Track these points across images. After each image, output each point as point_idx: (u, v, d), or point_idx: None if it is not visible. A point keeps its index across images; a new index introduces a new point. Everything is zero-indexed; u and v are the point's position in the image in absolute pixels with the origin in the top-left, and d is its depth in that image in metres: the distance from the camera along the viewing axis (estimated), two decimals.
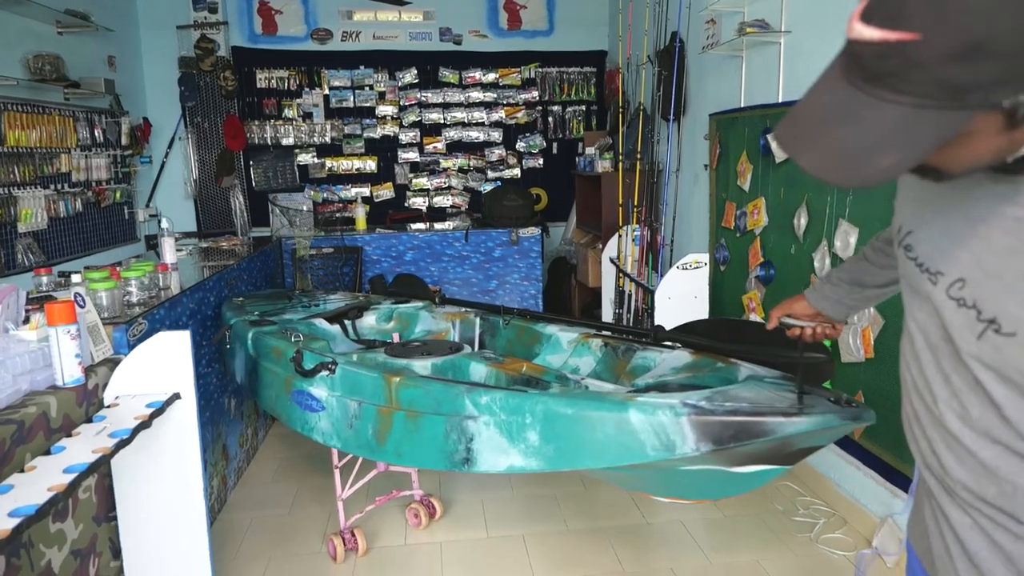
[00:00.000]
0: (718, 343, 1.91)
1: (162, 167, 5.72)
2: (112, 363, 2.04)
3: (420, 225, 5.36)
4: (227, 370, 2.96)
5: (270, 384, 2.45)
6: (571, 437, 1.59)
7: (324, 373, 2.14)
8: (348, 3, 5.74)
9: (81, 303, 2.06)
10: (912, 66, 0.62)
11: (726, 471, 1.52)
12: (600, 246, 4.63)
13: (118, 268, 2.76)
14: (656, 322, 3.29)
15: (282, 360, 2.36)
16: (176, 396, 1.99)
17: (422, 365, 2.22)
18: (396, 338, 2.78)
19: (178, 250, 3.95)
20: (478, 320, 2.69)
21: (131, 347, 2.12)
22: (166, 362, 2.00)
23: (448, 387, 1.82)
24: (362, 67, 5.88)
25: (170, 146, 5.73)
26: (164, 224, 3.26)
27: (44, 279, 2.80)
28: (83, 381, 1.87)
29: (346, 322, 2.87)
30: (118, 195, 5.04)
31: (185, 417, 2.02)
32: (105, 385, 1.98)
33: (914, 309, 0.93)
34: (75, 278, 2.34)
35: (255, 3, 5.74)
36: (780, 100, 3.14)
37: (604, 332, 2.25)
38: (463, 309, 2.81)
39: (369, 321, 2.93)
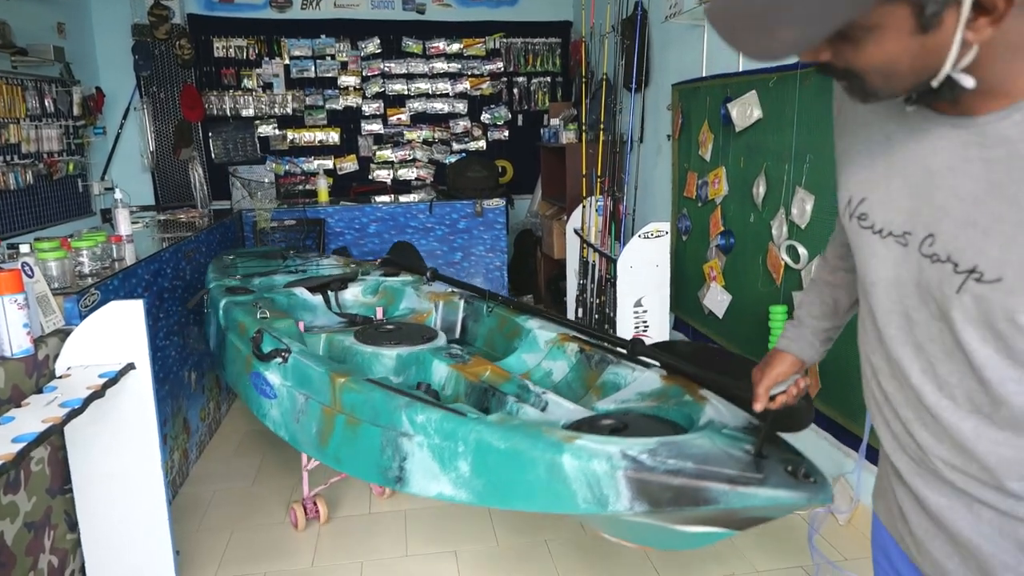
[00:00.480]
0: (693, 368, 1.72)
1: (117, 138, 5.57)
2: (64, 333, 2.00)
3: (384, 198, 5.31)
4: (203, 335, 2.90)
5: (233, 360, 2.38)
6: (502, 474, 1.46)
7: (278, 360, 2.05)
8: None
9: (29, 272, 2.01)
10: None
11: (669, 528, 1.38)
12: (565, 218, 4.64)
13: (69, 239, 2.69)
14: (619, 297, 3.32)
15: (245, 337, 2.30)
16: (131, 366, 1.96)
17: (388, 355, 2.16)
18: (379, 313, 2.70)
19: (134, 222, 3.87)
20: (462, 303, 2.59)
21: (83, 318, 2.07)
22: (119, 332, 1.97)
23: (388, 398, 1.68)
24: (323, 36, 5.76)
25: (125, 117, 5.57)
26: (118, 195, 3.18)
27: None
28: (32, 351, 1.83)
29: (329, 293, 2.80)
30: (71, 167, 4.90)
31: (141, 387, 2.00)
32: (56, 356, 1.95)
33: (872, 284, 0.90)
34: (23, 247, 2.28)
35: None
36: (740, 69, 3.16)
37: (582, 337, 2.11)
38: (450, 289, 2.71)
39: (354, 292, 2.86)
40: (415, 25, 5.85)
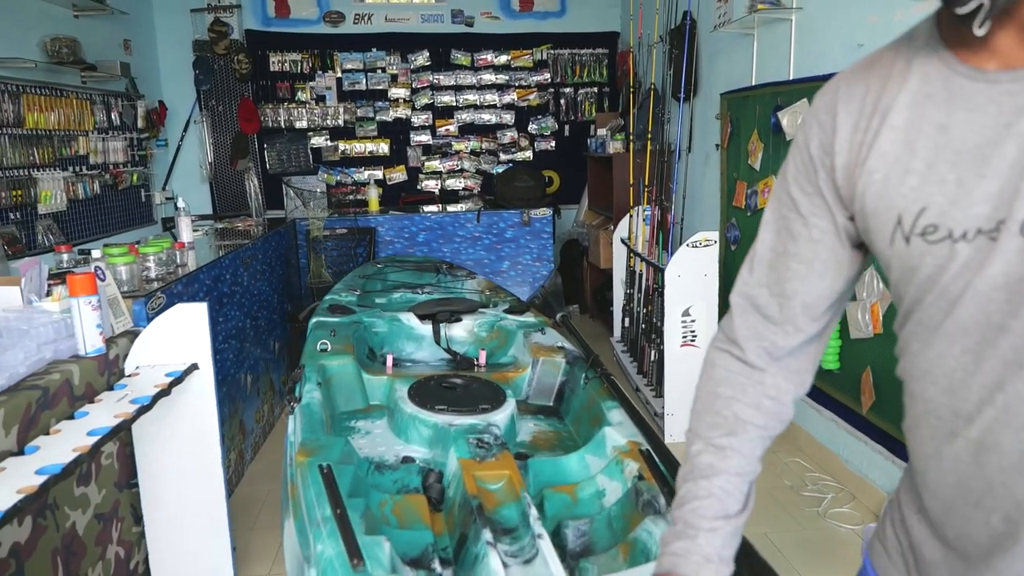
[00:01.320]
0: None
1: (178, 150, 5.79)
2: (132, 335, 2.10)
3: (432, 207, 5.40)
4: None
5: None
6: None
7: (290, 407, 1.90)
8: None
9: (102, 276, 2.11)
10: None
11: None
12: (612, 227, 4.64)
13: (136, 245, 2.82)
14: (666, 306, 3.29)
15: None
16: (194, 367, 2.05)
17: (426, 421, 1.84)
18: (482, 357, 2.38)
19: (194, 230, 4.02)
20: (563, 365, 2.19)
21: (150, 320, 2.17)
22: (184, 333, 2.06)
23: (312, 506, 1.39)
24: (374, 50, 5.90)
25: (185, 129, 5.79)
26: (180, 204, 3.32)
27: (65, 256, 2.87)
28: (104, 351, 1.93)
29: (440, 324, 2.52)
30: (135, 178, 5.11)
31: (203, 387, 2.08)
32: (126, 356, 2.04)
33: (955, 302, 0.68)
34: (95, 253, 2.39)
35: None
36: (791, 77, 3.14)
37: (653, 454, 1.60)
38: (558, 343, 2.33)
39: (469, 326, 2.57)
40: (464, 38, 5.94)
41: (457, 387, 2.01)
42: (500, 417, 1.83)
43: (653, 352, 3.76)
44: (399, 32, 5.90)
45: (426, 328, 2.52)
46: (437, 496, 1.58)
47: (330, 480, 1.45)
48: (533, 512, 1.39)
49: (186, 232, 3.21)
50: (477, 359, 2.38)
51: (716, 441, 0.84)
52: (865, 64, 0.75)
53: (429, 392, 1.95)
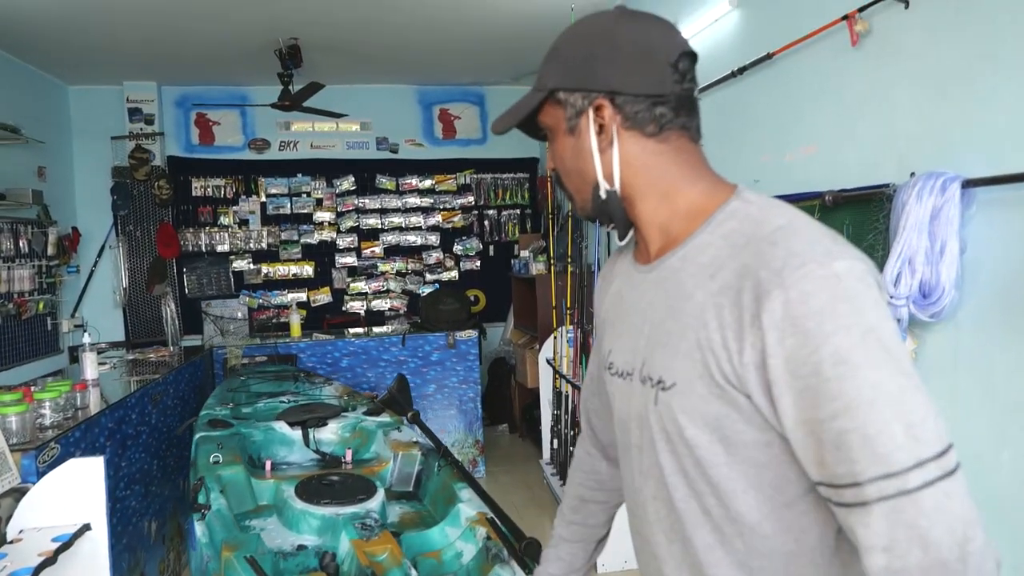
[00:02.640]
0: None
1: (90, 276, 5.59)
2: (19, 493, 1.93)
3: (358, 329, 5.33)
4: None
5: (186, 496, 2.40)
6: None
7: (199, 514, 2.07)
8: (286, 115, 5.88)
9: None
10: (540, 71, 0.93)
11: None
12: (537, 347, 4.68)
13: (33, 388, 2.65)
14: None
15: (194, 474, 2.32)
16: (86, 527, 1.89)
17: (314, 514, 2.14)
18: (348, 456, 2.71)
19: (102, 363, 3.83)
20: (418, 456, 2.55)
21: (41, 474, 2.01)
22: (77, 490, 1.91)
23: None
24: (300, 175, 5.97)
25: (99, 255, 5.63)
26: (86, 339, 3.18)
27: None
28: None
29: (308, 429, 2.80)
30: (41, 306, 4.88)
31: (95, 549, 1.91)
32: (9, 518, 1.87)
33: (617, 423, 0.97)
34: None
35: (192, 115, 5.83)
36: None
37: (497, 521, 2.02)
38: (413, 438, 2.69)
39: (334, 429, 2.86)
40: (388, 163, 6.11)
41: (335, 483, 2.31)
42: (374, 504, 2.20)
43: None
44: (325, 158, 6.01)
45: (296, 433, 2.79)
46: (334, 572, 1.90)
47: (257, 566, 1.73)
48: (413, 573, 1.82)
49: (90, 369, 3.06)
50: (344, 457, 2.69)
51: (567, 516, 1.23)
52: (610, 259, 1.11)
53: (312, 490, 2.25)
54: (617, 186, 0.89)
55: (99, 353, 4.76)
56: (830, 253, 0.73)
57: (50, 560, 1.70)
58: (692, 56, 0.88)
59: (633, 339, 0.91)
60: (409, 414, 2.72)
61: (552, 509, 4.07)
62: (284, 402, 3.18)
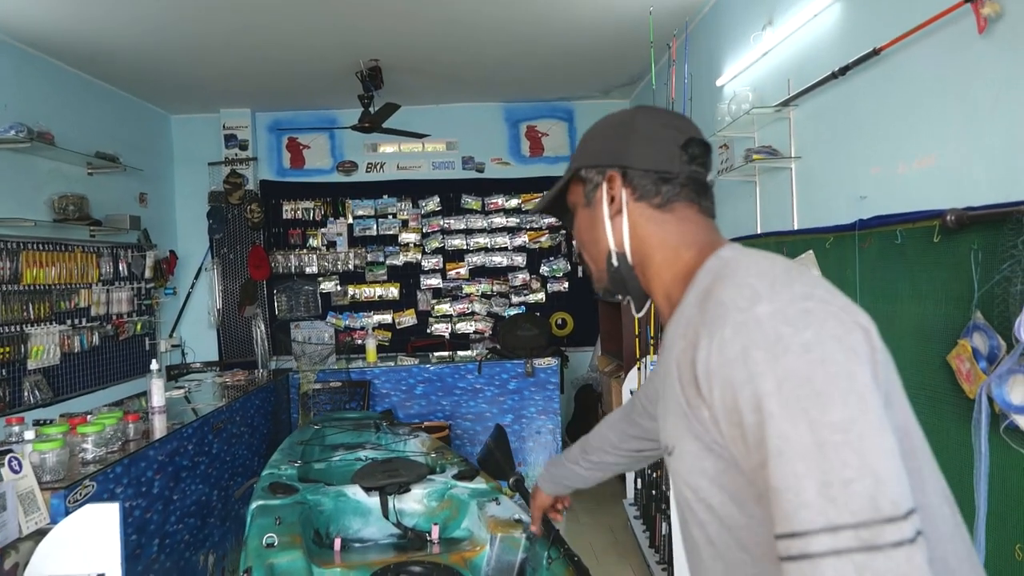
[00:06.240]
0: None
1: (188, 298, 5.78)
2: (43, 535, 1.85)
3: (442, 352, 5.20)
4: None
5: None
6: None
7: None
8: (373, 137, 5.88)
9: (16, 468, 1.91)
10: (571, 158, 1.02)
11: None
12: (623, 375, 4.36)
13: (89, 417, 2.63)
14: None
15: (244, 560, 1.96)
16: None
17: None
18: (435, 532, 2.25)
19: (179, 388, 3.86)
20: (523, 542, 1.97)
21: (69, 514, 1.93)
22: (93, 537, 1.81)
23: None
24: (385, 196, 5.95)
25: (196, 277, 5.81)
26: (154, 366, 3.16)
27: (16, 428, 2.69)
28: None
29: (388, 496, 2.34)
30: (139, 327, 5.06)
31: None
32: (26, 564, 1.79)
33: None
34: (27, 434, 2.21)
35: (284, 139, 5.94)
36: (795, 227, 2.94)
37: None
38: (516, 516, 2.15)
39: (418, 496, 2.40)
40: (474, 182, 5.98)
41: None
42: None
43: (664, 524, 3.36)
44: (410, 179, 5.96)
45: (373, 501, 2.33)
46: None
47: None
48: None
49: (157, 396, 3.04)
50: (430, 533, 2.23)
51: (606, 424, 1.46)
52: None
53: None
54: (628, 252, 0.93)
55: (192, 373, 4.87)
56: (755, 297, 0.71)
57: None
58: (703, 144, 0.92)
59: (664, 418, 0.92)
60: (512, 479, 2.17)
61: (635, 557, 3.73)
62: (362, 459, 2.80)
